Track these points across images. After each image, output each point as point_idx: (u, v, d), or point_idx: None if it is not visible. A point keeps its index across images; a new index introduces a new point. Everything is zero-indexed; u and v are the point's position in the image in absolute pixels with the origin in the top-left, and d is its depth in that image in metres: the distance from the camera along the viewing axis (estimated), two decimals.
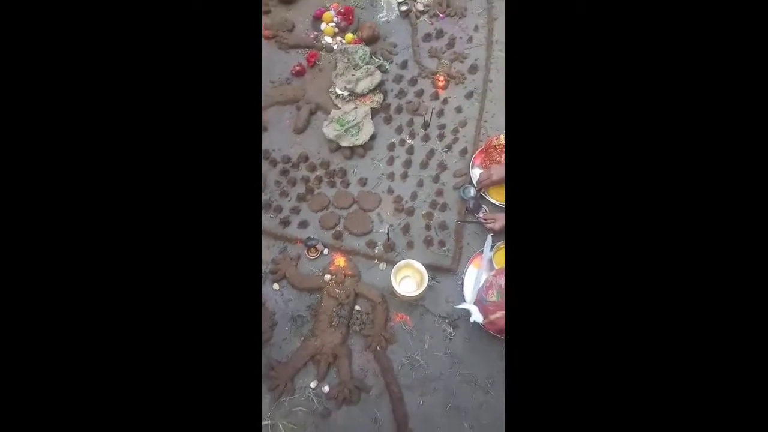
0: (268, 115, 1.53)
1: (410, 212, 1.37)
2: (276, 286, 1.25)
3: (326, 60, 1.65)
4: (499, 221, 1.28)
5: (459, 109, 1.56)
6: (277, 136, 1.50)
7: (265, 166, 1.44)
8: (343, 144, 1.44)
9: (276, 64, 1.65)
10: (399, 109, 1.56)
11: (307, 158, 1.45)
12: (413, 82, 1.62)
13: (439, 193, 1.41)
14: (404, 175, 1.44)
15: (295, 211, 1.36)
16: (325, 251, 1.30)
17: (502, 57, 1.63)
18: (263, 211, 1.35)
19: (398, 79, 1.62)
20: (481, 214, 1.35)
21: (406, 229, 1.35)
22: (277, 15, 1.76)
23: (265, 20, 1.73)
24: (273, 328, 1.19)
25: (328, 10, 1.74)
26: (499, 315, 1.10)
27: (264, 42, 1.69)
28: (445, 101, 1.58)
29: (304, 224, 1.34)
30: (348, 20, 1.72)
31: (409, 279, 1.23)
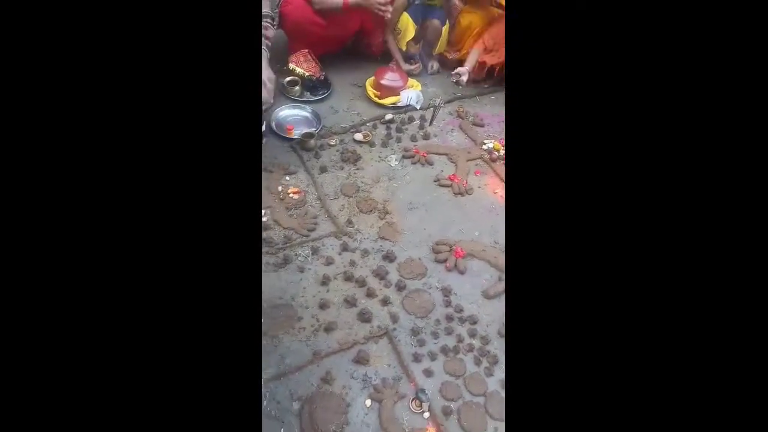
0: (467, 264, 1.64)
1: None
2: (368, 402, 1.25)
3: None
4: None
5: None
6: (470, 290, 1.57)
7: (440, 298, 1.52)
8: None
9: None
10: None
11: (475, 321, 1.47)
12: None
13: None
14: None
15: (432, 357, 1.37)
16: (426, 415, 1.24)
17: None
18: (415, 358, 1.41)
19: None
20: None
21: None
22: None
23: None
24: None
25: None
26: None
27: None
28: None
29: (429, 372, 1.33)
30: None
31: None
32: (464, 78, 2.37)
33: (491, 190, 1.94)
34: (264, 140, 1.88)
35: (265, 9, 1.90)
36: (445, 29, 2.44)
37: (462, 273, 1.60)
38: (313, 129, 2.01)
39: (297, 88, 2.19)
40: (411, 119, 2.23)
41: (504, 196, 1.90)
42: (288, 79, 2.19)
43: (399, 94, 2.27)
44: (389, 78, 2.26)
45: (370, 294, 1.49)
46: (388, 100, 2.26)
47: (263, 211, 1.69)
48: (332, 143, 2.01)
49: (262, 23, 1.84)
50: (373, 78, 2.29)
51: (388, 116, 2.20)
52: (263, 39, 1.78)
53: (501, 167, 2.03)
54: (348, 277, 1.52)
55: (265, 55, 1.66)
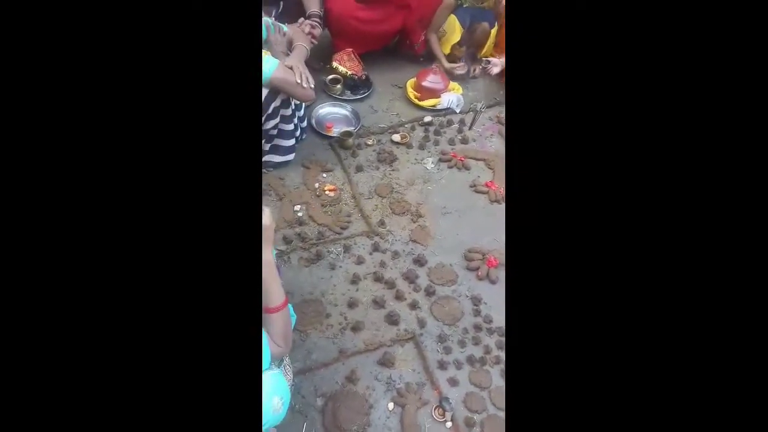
0: (500, 274, 1.60)
1: None
2: (391, 405, 1.25)
3: None
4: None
5: None
6: (500, 301, 1.54)
7: (469, 307, 1.49)
8: None
9: None
10: None
11: (504, 333, 1.43)
12: None
13: None
14: None
15: (458, 365, 1.35)
16: (449, 424, 1.22)
17: None
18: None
19: None
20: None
21: None
22: None
23: None
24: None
25: None
26: None
27: None
28: None
29: (454, 381, 1.31)
30: None
31: None
32: (495, 69, 2.31)
33: None
34: (303, 136, 1.91)
35: (314, 8, 1.93)
36: (493, 32, 2.39)
37: (493, 283, 1.57)
38: (352, 128, 2.03)
39: (338, 86, 2.22)
40: (450, 122, 2.20)
41: None
42: (330, 77, 2.22)
43: (439, 97, 2.25)
44: (431, 80, 2.24)
45: (399, 297, 1.49)
46: (427, 102, 2.24)
47: (299, 206, 1.72)
48: (369, 143, 2.02)
49: (311, 22, 1.86)
50: (414, 79, 2.28)
51: (427, 118, 2.18)
52: (309, 37, 1.81)
53: None
54: (378, 278, 1.53)
55: (306, 53, 1.69)
